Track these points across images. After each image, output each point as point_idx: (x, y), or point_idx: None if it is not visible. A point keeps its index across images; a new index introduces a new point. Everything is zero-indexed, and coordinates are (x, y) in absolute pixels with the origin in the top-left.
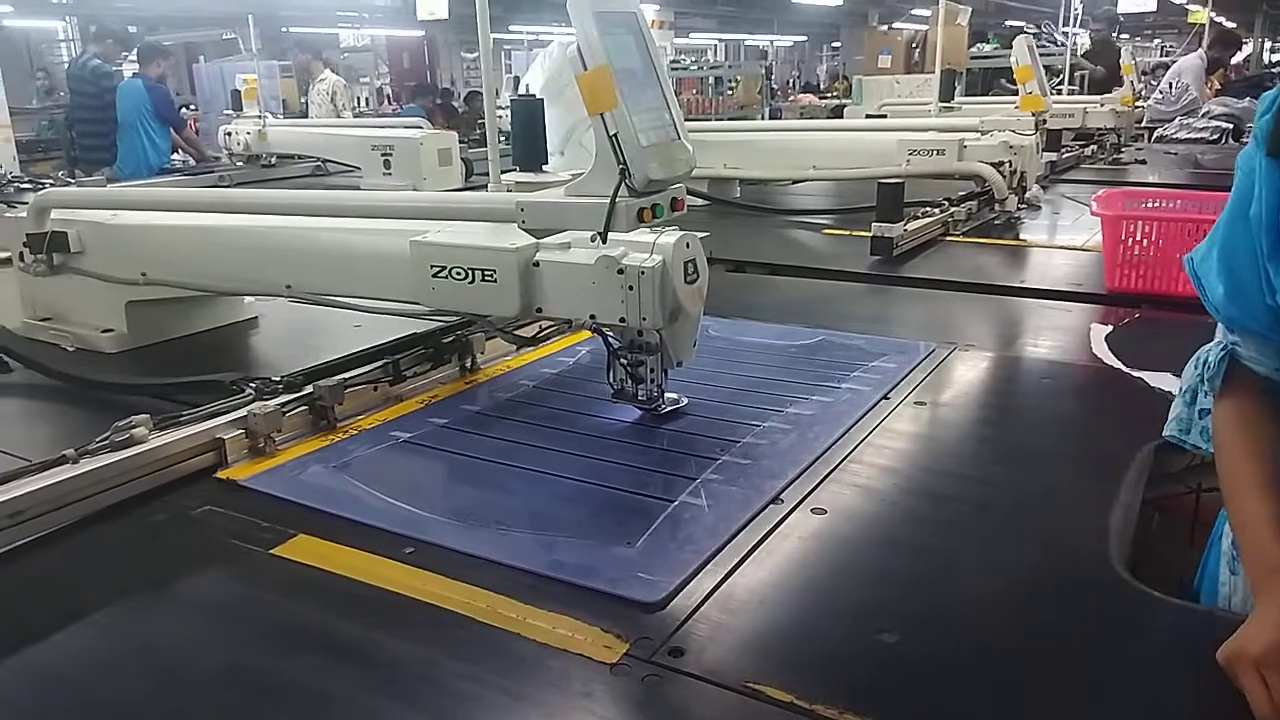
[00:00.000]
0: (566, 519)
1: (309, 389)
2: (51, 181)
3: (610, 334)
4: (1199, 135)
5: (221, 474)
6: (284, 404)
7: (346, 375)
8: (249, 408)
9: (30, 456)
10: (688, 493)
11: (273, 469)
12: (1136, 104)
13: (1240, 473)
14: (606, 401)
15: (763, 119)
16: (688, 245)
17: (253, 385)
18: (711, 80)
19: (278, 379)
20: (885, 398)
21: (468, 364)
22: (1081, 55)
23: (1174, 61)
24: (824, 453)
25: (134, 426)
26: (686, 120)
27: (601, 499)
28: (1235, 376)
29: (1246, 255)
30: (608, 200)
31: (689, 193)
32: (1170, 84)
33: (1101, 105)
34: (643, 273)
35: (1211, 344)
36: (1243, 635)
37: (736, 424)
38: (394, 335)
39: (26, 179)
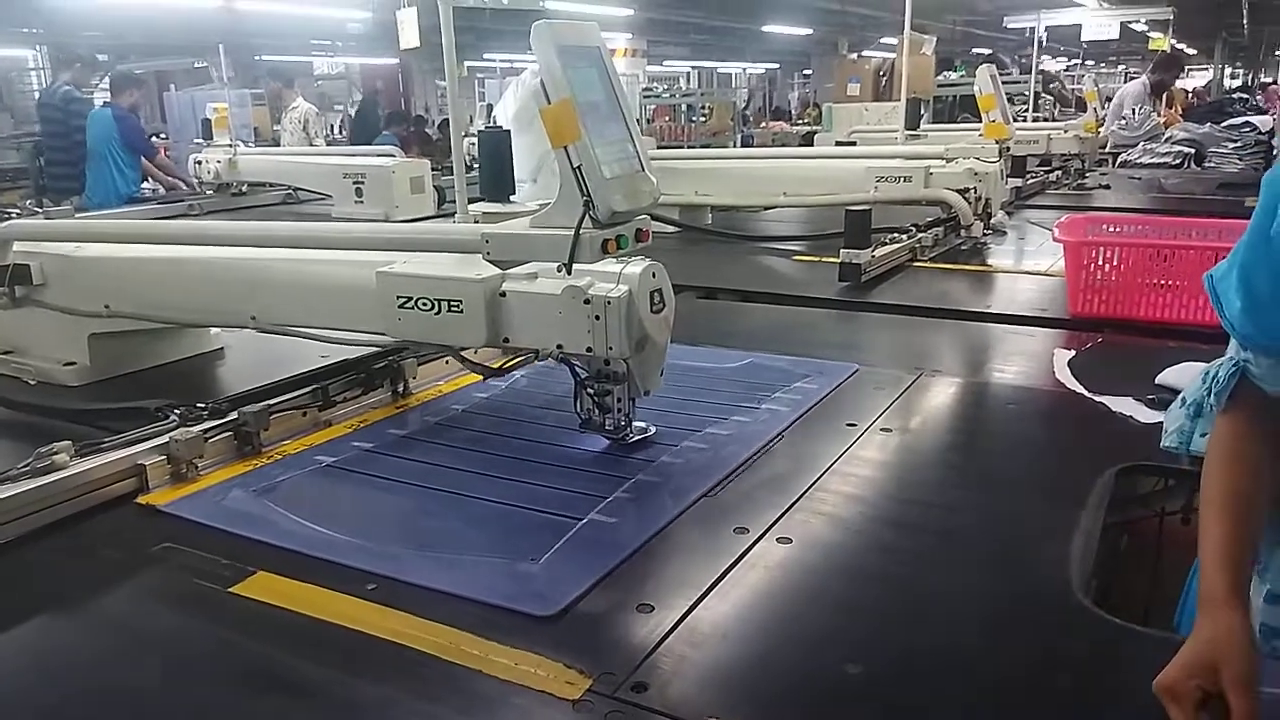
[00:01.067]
0: (475, 539)
1: (234, 414)
2: (18, 211)
3: (577, 364)
4: (1162, 160)
5: (142, 499)
6: (207, 430)
7: (273, 401)
8: (171, 434)
9: None
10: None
11: (194, 494)
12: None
13: (1211, 489)
14: (531, 423)
15: (735, 145)
16: (654, 275)
17: (177, 411)
18: (684, 107)
19: (203, 405)
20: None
21: (399, 389)
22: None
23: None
24: (742, 470)
25: (55, 453)
26: (659, 147)
27: (515, 519)
28: (1241, 394)
29: (1265, 272)
30: (572, 232)
31: (659, 219)
32: (1134, 110)
33: (1065, 132)
34: (609, 302)
35: (1223, 359)
36: (1169, 665)
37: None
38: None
39: None
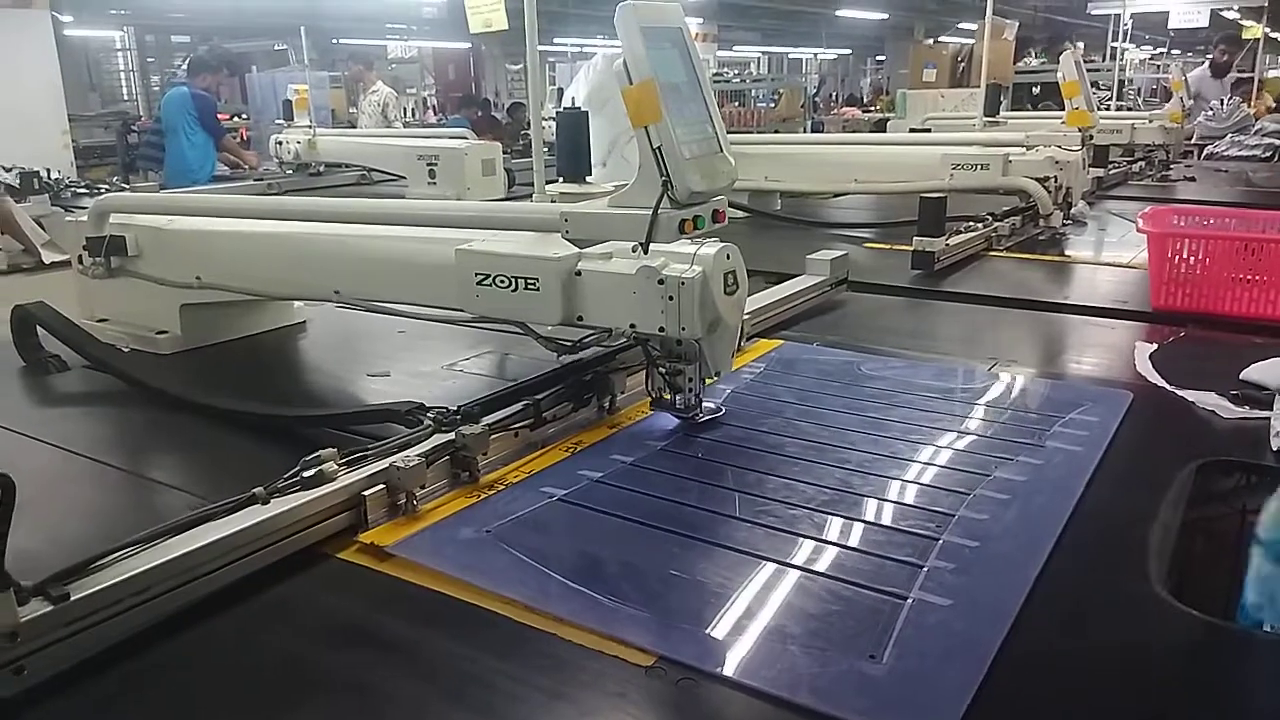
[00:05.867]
0: (782, 618)
1: (451, 436)
2: (107, 187)
3: (650, 343)
4: (1250, 152)
5: (363, 537)
6: (428, 453)
7: (491, 420)
8: (390, 460)
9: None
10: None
11: (418, 532)
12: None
13: None
14: (774, 454)
15: (805, 132)
16: (728, 257)
17: (429, 416)
18: (753, 93)
19: (455, 409)
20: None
21: (606, 404)
22: None
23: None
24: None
25: (322, 461)
26: (728, 133)
27: (819, 589)
28: None
29: None
30: (650, 212)
31: (729, 205)
32: (1221, 100)
33: (1150, 121)
34: (683, 283)
35: None
36: None
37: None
38: (443, 346)
39: (83, 184)
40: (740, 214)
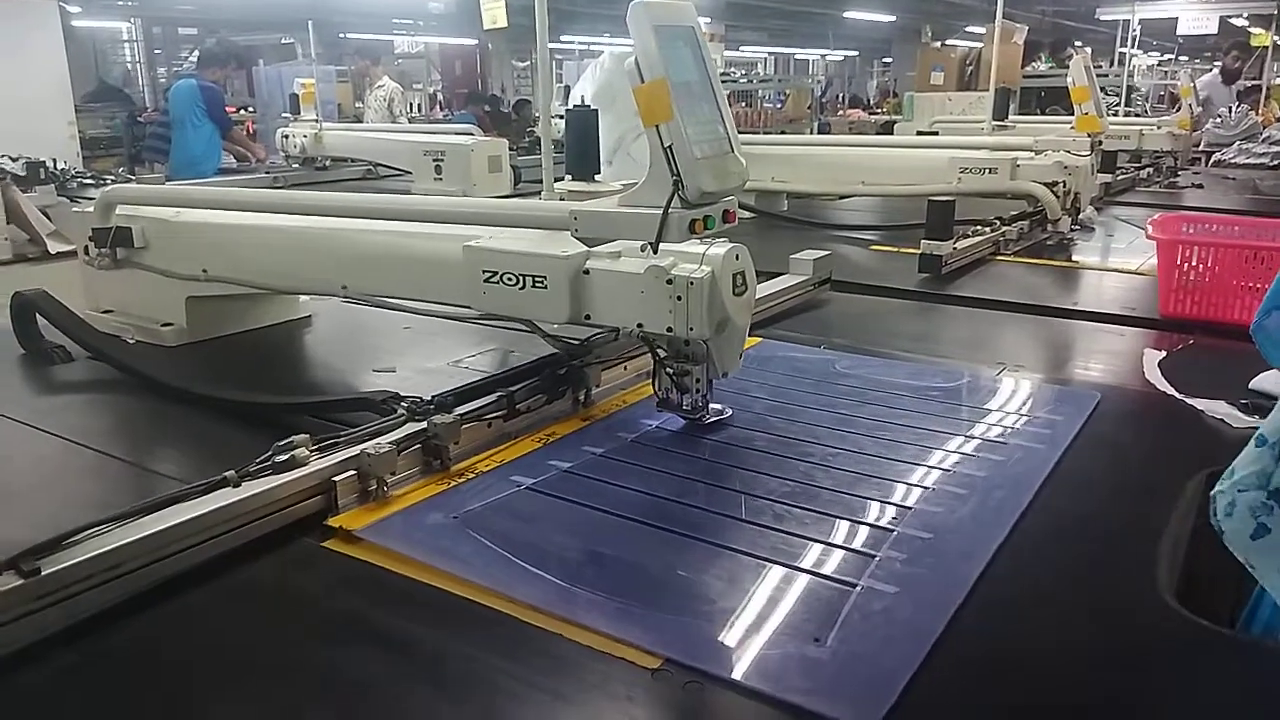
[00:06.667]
0: (734, 601)
1: (424, 425)
2: (113, 178)
3: (658, 344)
4: (1259, 160)
5: (333, 521)
6: (399, 441)
7: (464, 410)
8: (362, 446)
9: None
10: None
11: (387, 517)
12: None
13: None
14: (745, 448)
15: (811, 133)
16: (737, 257)
17: (404, 405)
18: (761, 94)
19: (429, 400)
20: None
21: (581, 398)
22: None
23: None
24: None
25: (295, 446)
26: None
27: (773, 577)
28: None
29: None
30: (660, 211)
31: (736, 205)
32: (1230, 107)
33: (1158, 128)
34: (691, 283)
35: None
36: None
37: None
38: (449, 342)
39: (89, 175)
40: (747, 214)
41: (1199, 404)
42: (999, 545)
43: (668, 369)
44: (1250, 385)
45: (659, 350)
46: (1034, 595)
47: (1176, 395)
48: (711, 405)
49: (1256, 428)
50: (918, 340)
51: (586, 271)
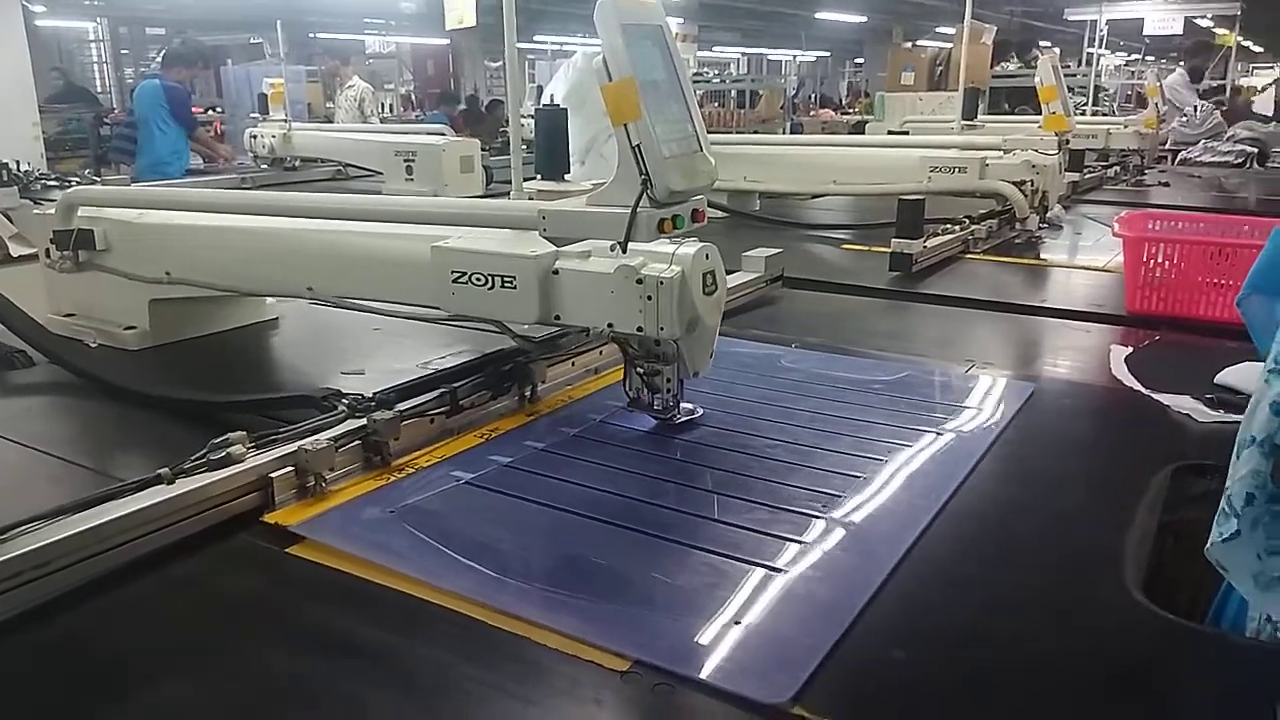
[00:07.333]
0: (660, 586)
1: (363, 422)
2: (77, 179)
3: (628, 343)
4: (1224, 159)
5: (269, 517)
6: (338, 438)
7: (404, 406)
8: (299, 443)
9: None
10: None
11: (324, 513)
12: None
13: None
14: (684, 440)
15: (784, 133)
16: (707, 256)
17: (345, 402)
18: (734, 94)
19: (370, 397)
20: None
21: (527, 394)
22: None
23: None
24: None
25: (231, 444)
26: (707, 133)
27: (695, 562)
28: None
29: None
30: (629, 210)
31: (708, 205)
32: (1195, 106)
33: (1125, 127)
34: (661, 282)
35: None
36: None
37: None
38: (418, 343)
39: (53, 176)
40: (718, 214)
41: (1165, 399)
42: (922, 530)
43: (638, 369)
44: (1216, 380)
45: (629, 348)
46: (1000, 595)
47: (1143, 390)
48: (683, 405)
49: (1223, 422)
50: (889, 338)
51: (556, 271)
